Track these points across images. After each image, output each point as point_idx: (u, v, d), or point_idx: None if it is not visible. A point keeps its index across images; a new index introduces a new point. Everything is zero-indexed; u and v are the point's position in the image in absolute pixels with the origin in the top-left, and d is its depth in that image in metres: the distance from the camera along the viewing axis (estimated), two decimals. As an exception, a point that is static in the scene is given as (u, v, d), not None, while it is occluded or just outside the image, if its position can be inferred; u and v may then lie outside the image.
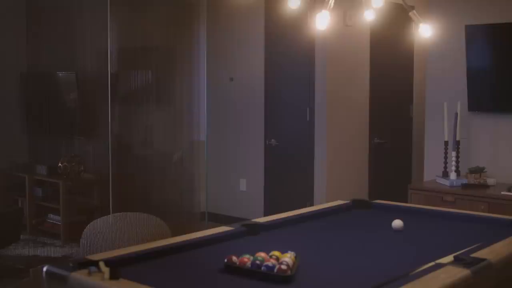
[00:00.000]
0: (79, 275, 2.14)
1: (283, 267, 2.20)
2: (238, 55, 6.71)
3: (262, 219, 3.18)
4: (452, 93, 4.94)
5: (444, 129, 4.82)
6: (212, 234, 2.81)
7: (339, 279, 2.29)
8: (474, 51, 4.82)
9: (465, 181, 4.67)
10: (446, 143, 4.82)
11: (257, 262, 2.24)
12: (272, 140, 6.43)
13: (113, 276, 2.08)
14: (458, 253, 2.43)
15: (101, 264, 2.15)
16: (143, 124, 6.65)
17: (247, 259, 2.27)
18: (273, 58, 6.41)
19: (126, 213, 5.45)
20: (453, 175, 4.72)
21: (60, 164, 6.34)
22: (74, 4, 6.67)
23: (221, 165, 6.87)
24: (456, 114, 4.74)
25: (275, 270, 2.19)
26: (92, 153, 6.61)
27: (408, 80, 6.74)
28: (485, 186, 4.59)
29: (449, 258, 2.36)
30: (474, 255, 2.40)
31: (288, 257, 2.28)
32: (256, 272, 2.22)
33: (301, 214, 3.36)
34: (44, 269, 2.23)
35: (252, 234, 2.89)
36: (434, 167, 5.03)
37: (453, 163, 4.75)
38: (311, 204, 5.72)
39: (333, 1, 3.11)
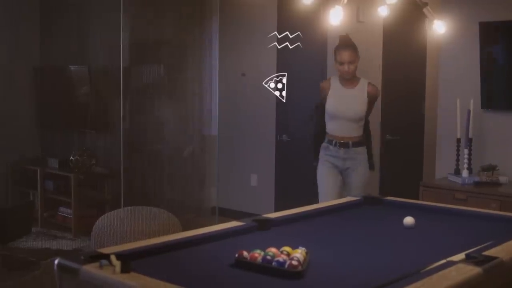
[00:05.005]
0: (90, 268, 2.14)
1: (294, 262, 2.19)
2: (251, 50, 6.69)
3: (273, 215, 3.17)
4: (465, 90, 4.91)
5: (456, 126, 4.79)
6: (223, 229, 2.80)
7: (350, 275, 2.28)
8: (487, 48, 4.78)
9: (477, 179, 4.64)
10: (458, 140, 4.80)
11: (268, 257, 2.24)
12: (284, 135, 6.42)
13: (124, 269, 2.09)
14: (469, 251, 2.41)
15: (112, 257, 2.15)
16: (154, 118, 6.66)
17: (258, 254, 2.27)
18: (286, 53, 6.40)
19: (137, 207, 5.46)
20: (465, 173, 4.69)
21: (71, 158, 6.37)
22: (87, -2, 6.70)
23: (232, 160, 6.87)
24: (469, 111, 4.71)
25: (286, 266, 2.19)
26: (104, 147, 6.64)
27: (421, 77, 6.69)
28: (497, 184, 4.56)
29: (461, 255, 2.34)
30: (485, 253, 2.39)
31: (299, 253, 2.27)
32: (266, 268, 2.21)
33: (312, 210, 3.35)
34: (56, 262, 2.24)
35: (263, 230, 2.89)
36: (446, 164, 5.00)
37: (465, 160, 4.72)
38: (322, 200, 5.70)
39: (346, -3, 3.10)
